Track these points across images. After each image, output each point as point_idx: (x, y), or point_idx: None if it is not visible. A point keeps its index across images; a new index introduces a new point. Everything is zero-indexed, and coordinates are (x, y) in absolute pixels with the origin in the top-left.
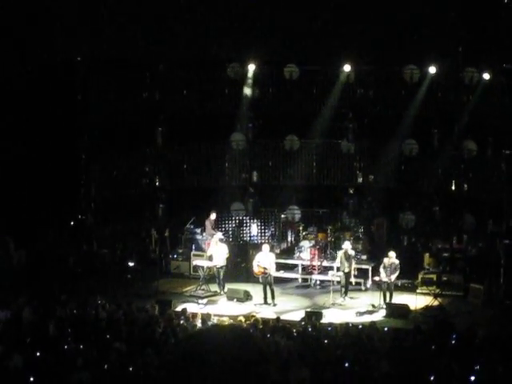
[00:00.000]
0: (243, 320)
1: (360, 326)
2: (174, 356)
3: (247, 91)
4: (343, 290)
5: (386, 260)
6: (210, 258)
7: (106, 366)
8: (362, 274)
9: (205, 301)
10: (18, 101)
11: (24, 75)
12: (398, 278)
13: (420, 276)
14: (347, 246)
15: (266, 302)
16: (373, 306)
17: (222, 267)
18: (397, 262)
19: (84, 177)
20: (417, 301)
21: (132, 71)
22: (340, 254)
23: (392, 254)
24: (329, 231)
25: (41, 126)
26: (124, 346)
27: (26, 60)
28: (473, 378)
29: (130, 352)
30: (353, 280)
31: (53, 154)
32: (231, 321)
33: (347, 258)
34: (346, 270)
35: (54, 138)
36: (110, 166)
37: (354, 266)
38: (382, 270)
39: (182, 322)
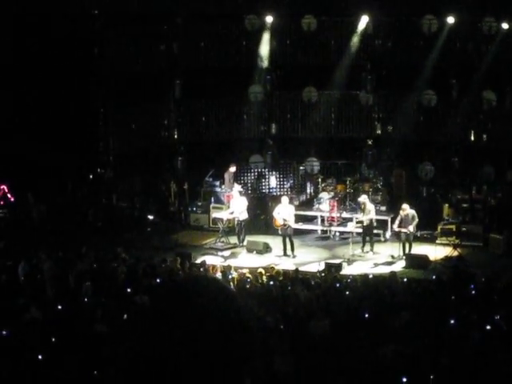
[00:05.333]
0: (263, 272)
1: (380, 277)
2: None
3: (264, 43)
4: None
5: (401, 212)
6: (233, 212)
7: (126, 319)
8: (382, 224)
9: (227, 253)
10: (36, 54)
11: (41, 29)
12: (417, 228)
13: (439, 227)
14: (363, 198)
15: (285, 254)
16: (392, 256)
17: (244, 220)
18: (412, 212)
19: (103, 130)
20: (436, 251)
21: (149, 24)
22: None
23: (405, 206)
24: (348, 183)
25: (59, 80)
26: (146, 299)
27: (44, 13)
28: (489, 328)
29: (151, 305)
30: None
31: (71, 108)
32: (250, 275)
33: (363, 210)
34: (365, 223)
35: (72, 92)
36: (128, 120)
37: (369, 217)
38: (397, 222)
39: (202, 274)
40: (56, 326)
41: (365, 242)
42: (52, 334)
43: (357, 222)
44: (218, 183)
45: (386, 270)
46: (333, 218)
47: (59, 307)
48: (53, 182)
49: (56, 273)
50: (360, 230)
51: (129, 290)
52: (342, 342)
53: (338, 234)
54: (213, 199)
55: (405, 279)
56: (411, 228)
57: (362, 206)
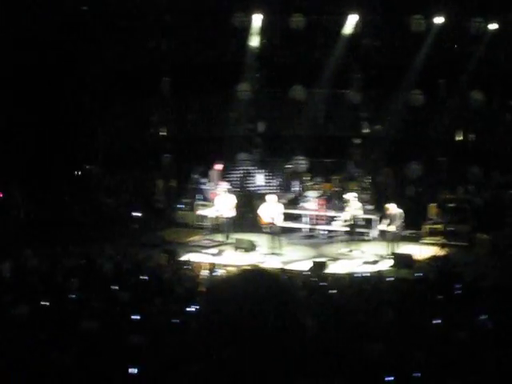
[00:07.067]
0: None
1: (366, 276)
2: (200, 310)
3: (253, 41)
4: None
5: (387, 212)
6: (219, 210)
7: (112, 316)
8: (368, 224)
9: (213, 250)
10: (25, 52)
11: (30, 26)
12: (403, 227)
13: (426, 226)
14: (349, 196)
15: (271, 252)
16: (379, 255)
17: (230, 218)
18: (397, 212)
19: (90, 126)
20: (423, 251)
21: (137, 21)
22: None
23: (391, 205)
24: (335, 181)
25: (47, 76)
26: (131, 296)
27: (33, 11)
28: (475, 327)
29: (137, 301)
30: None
31: (59, 104)
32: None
33: (350, 208)
34: (349, 221)
35: (60, 89)
36: (116, 116)
37: (354, 213)
38: (384, 221)
39: (187, 271)
40: (44, 322)
41: (351, 240)
42: (40, 330)
43: (344, 221)
44: (204, 181)
45: (372, 268)
46: (320, 216)
47: (47, 303)
48: (40, 179)
49: (42, 269)
50: (346, 229)
51: (116, 286)
52: (328, 341)
53: (324, 232)
54: (199, 196)
55: (391, 278)
56: (394, 227)
57: (346, 203)
